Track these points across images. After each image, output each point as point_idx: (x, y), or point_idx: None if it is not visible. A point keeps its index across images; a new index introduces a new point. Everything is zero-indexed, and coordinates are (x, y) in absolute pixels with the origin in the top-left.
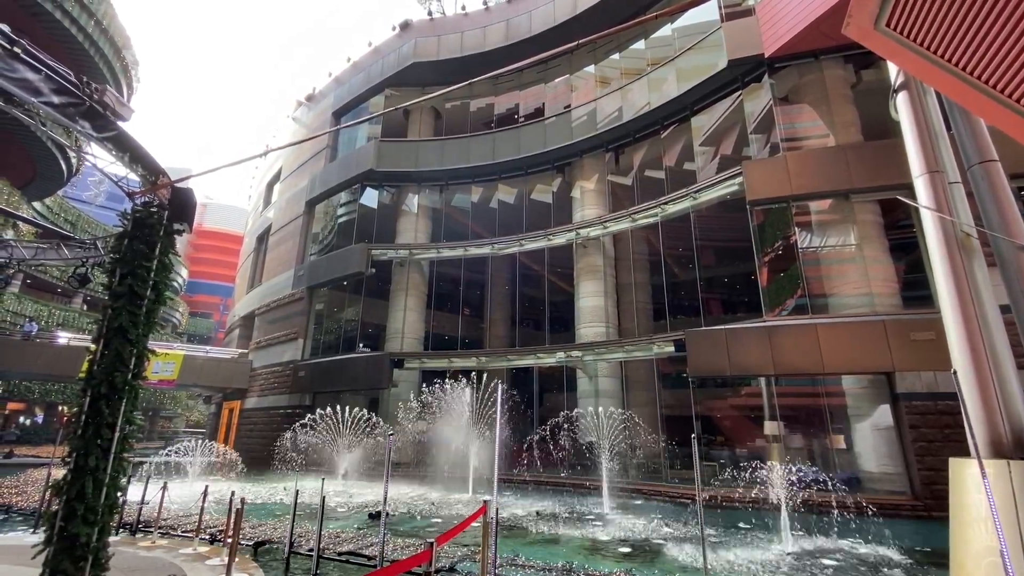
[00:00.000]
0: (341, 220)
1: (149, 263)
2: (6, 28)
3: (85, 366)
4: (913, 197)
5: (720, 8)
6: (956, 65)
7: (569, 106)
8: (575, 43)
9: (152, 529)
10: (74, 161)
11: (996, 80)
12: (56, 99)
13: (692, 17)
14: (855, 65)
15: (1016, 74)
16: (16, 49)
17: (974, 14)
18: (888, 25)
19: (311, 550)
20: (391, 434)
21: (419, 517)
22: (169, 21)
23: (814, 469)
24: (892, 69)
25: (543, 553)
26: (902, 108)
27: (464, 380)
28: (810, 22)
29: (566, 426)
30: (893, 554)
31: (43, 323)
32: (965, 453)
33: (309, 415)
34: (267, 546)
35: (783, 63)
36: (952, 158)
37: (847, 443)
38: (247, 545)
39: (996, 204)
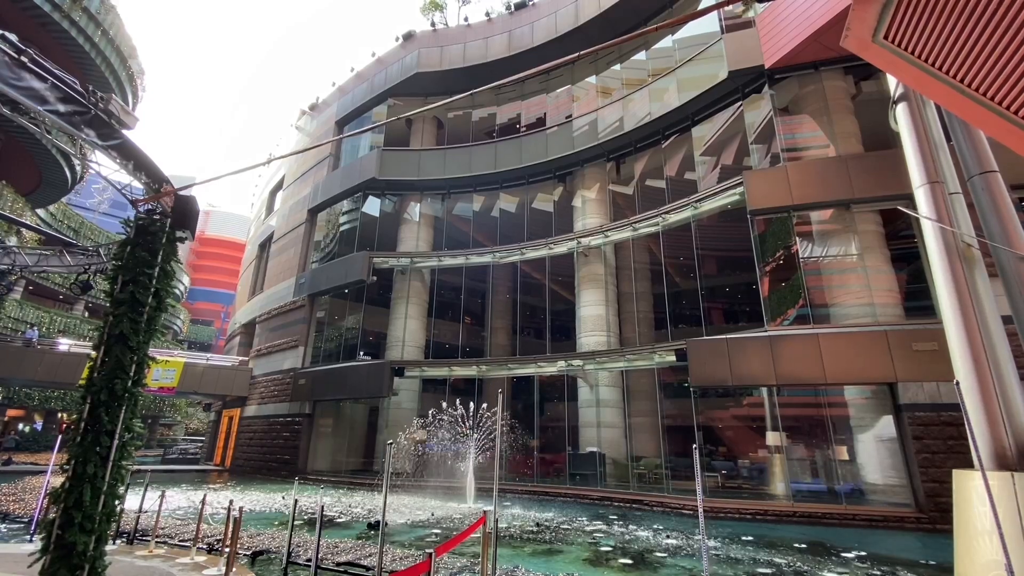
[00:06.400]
0: (343, 228)
1: (151, 270)
2: (13, 37)
3: (85, 373)
4: (914, 207)
5: (720, 20)
6: (954, 77)
7: (571, 116)
8: (577, 54)
9: (150, 538)
10: (79, 169)
11: (994, 92)
12: (62, 107)
13: (693, 29)
14: (855, 76)
15: (1014, 86)
16: (23, 58)
17: (971, 27)
18: (886, 38)
19: (309, 560)
20: (390, 443)
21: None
22: (174, 32)
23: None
24: (891, 81)
25: (543, 564)
26: (902, 119)
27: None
28: (810, 34)
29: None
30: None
31: (44, 330)
32: (969, 465)
33: None
34: (265, 556)
35: (783, 74)
36: (952, 169)
37: (850, 454)
38: (245, 554)
39: (997, 215)
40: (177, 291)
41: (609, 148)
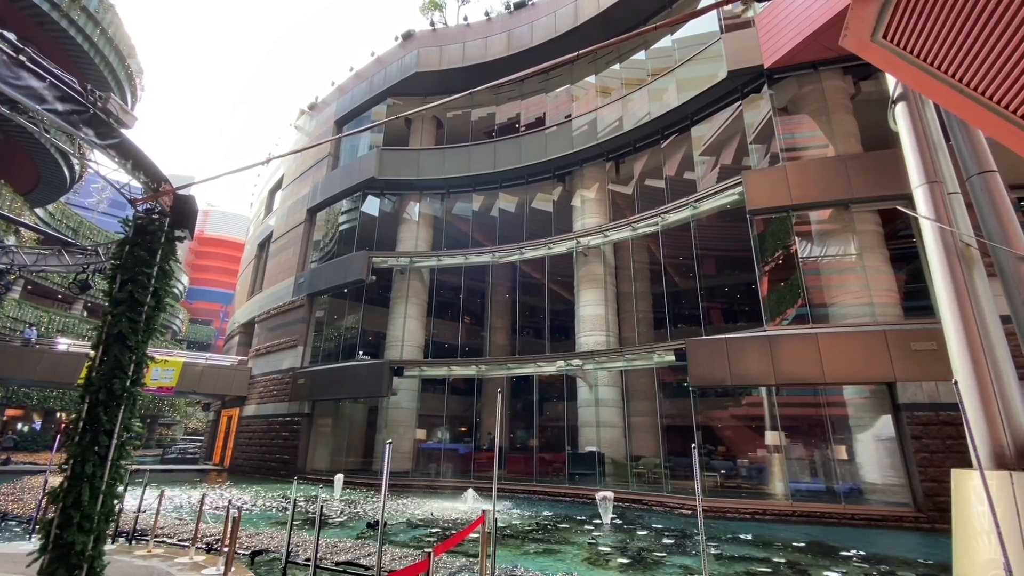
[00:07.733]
0: (342, 228)
1: (150, 270)
2: (12, 36)
3: (84, 372)
4: (913, 207)
5: (720, 19)
6: (953, 77)
7: (570, 116)
8: (576, 54)
9: (148, 537)
10: (77, 168)
11: (993, 92)
12: (60, 107)
13: (692, 28)
14: (854, 76)
15: (1012, 86)
16: (21, 57)
17: (971, 26)
18: (885, 37)
19: (308, 560)
20: (389, 442)
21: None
22: (174, 31)
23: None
24: (890, 80)
25: (542, 563)
26: (901, 119)
27: None
28: (809, 34)
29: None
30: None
31: (43, 329)
32: (968, 464)
33: None
34: (264, 555)
35: (782, 74)
36: (951, 168)
37: (849, 454)
38: (244, 554)
39: (996, 214)
40: (176, 290)
41: (608, 148)
